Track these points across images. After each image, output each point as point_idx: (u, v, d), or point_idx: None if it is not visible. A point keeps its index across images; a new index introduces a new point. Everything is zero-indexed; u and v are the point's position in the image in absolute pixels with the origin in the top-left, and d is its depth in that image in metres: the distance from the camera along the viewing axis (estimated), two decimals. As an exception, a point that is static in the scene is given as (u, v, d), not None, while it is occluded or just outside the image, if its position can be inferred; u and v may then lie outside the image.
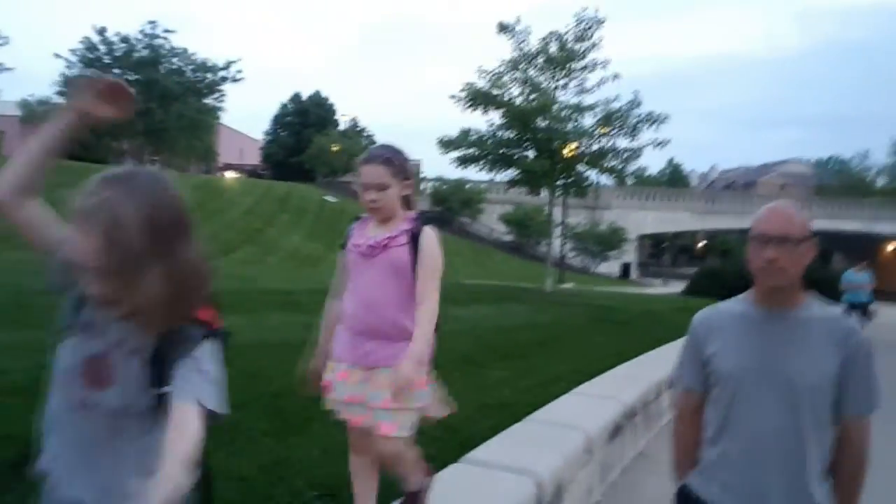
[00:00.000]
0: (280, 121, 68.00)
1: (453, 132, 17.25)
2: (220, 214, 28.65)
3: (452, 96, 16.99)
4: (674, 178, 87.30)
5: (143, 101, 41.38)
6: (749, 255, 1.88)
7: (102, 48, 42.02)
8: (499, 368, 6.91)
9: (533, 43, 17.10)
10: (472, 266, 34.59)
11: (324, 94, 69.67)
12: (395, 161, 2.58)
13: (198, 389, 1.34)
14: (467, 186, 48.33)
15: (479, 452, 3.82)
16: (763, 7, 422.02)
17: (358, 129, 68.86)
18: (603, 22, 17.11)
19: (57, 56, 42.60)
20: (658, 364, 7.24)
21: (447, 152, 17.30)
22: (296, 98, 68.54)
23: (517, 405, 5.15)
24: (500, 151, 17.26)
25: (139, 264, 1.27)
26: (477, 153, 17.31)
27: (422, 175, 55.71)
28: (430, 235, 2.58)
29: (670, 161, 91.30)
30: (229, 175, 52.25)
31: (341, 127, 66.14)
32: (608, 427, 4.91)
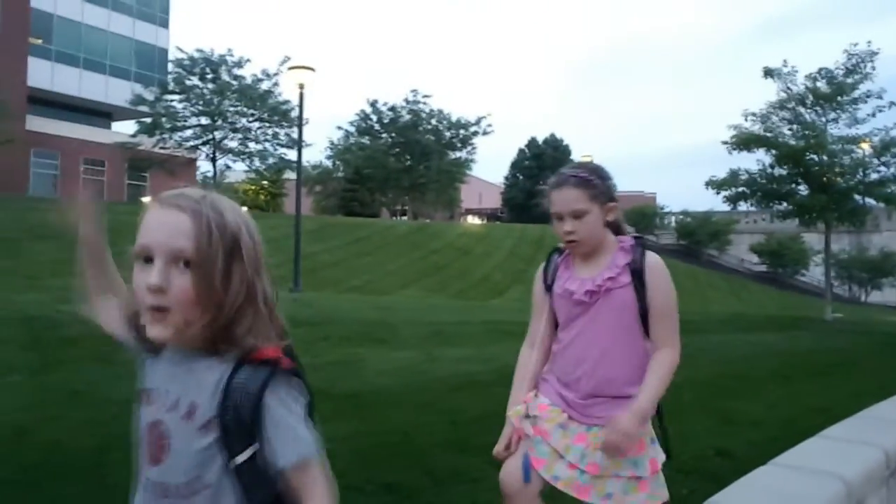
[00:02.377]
0: (518, 165, 71.52)
1: (698, 161, 18.06)
2: (488, 258, 31.69)
3: (724, 142, 17.78)
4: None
5: (404, 160, 47.07)
6: None
7: (374, 117, 48.53)
8: (807, 383, 8.04)
9: (800, 82, 17.45)
10: (729, 298, 34.21)
11: (558, 135, 72.28)
12: (592, 181, 2.10)
13: (302, 442, 1.13)
14: (714, 219, 47.37)
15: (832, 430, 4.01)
16: None
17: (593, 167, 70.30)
18: (876, 53, 16.84)
19: (339, 128, 50.71)
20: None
21: (718, 193, 18.16)
22: (532, 143, 71.81)
23: (834, 409, 5.93)
24: (771, 187, 17.77)
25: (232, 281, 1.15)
26: (746, 191, 18.00)
27: (663, 208, 55.46)
28: (657, 266, 2.09)
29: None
30: (470, 220, 56.15)
31: (577, 166, 67.92)
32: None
